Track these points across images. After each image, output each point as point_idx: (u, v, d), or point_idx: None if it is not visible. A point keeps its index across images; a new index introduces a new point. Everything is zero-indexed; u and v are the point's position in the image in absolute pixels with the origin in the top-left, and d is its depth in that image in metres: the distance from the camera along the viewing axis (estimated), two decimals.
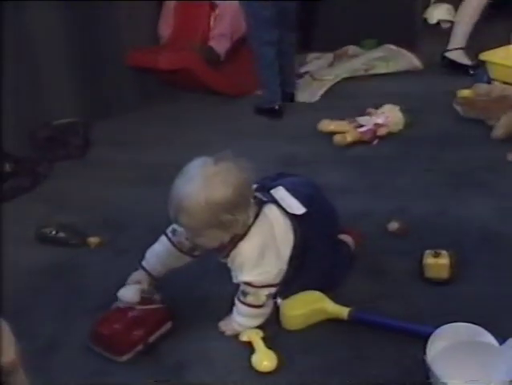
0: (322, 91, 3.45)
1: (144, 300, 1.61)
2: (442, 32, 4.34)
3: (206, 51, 3.30)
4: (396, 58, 3.74)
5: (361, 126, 2.77)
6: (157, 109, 3.29)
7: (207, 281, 1.80)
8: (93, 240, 2.04)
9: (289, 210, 1.57)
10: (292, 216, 1.57)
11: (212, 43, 3.35)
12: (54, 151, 2.66)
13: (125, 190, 2.44)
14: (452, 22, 4.35)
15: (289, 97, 3.31)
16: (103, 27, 3.07)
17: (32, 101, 2.78)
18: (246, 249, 1.51)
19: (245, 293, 1.55)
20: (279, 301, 1.64)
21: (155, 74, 3.31)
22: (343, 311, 1.61)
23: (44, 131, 2.72)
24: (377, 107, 2.90)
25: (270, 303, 1.60)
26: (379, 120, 2.78)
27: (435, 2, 4.76)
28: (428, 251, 1.78)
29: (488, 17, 3.52)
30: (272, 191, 1.60)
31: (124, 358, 1.54)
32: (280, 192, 1.60)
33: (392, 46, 3.82)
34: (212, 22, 3.38)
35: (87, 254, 2.03)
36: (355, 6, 3.86)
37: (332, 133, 2.76)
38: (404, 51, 3.78)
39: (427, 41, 4.15)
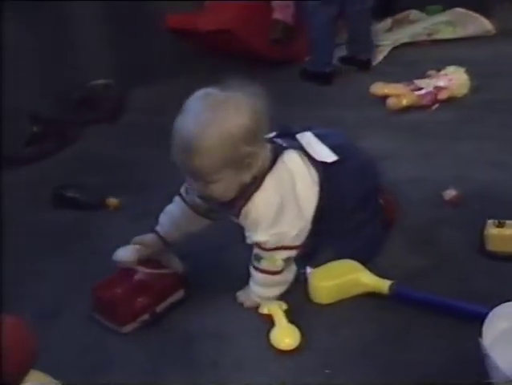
0: (379, 58, 3.17)
1: (153, 263, 1.42)
2: None
3: (278, 29, 3.08)
4: (464, 22, 3.41)
5: (419, 89, 2.48)
6: (195, 75, 3.08)
7: (232, 250, 1.58)
8: (112, 201, 1.87)
9: (317, 157, 1.33)
10: (319, 167, 1.33)
11: (277, 15, 3.13)
12: (86, 113, 2.52)
13: (154, 154, 2.26)
14: None
15: (364, 64, 3.03)
16: None
17: (67, 62, 2.65)
18: (261, 202, 1.27)
19: (258, 258, 1.32)
20: (308, 270, 1.41)
21: (194, 40, 3.12)
22: (383, 284, 1.36)
23: (77, 92, 2.58)
24: (440, 69, 2.61)
25: (291, 269, 1.37)
26: (441, 83, 2.48)
27: None
28: (490, 220, 1.51)
29: None
30: (298, 135, 1.36)
31: (127, 328, 1.35)
32: (307, 137, 1.36)
33: (461, 9, 3.48)
34: None
35: (105, 217, 1.86)
36: None
37: (386, 97, 2.49)
38: (474, 14, 3.44)
39: (501, 6, 3.79)
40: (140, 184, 2.03)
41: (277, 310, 1.33)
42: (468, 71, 2.55)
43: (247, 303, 1.38)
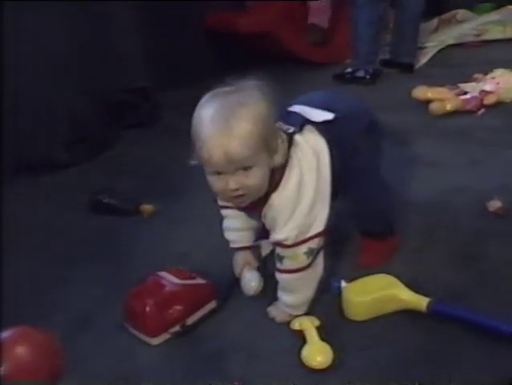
0: (425, 60, 3.08)
1: (184, 274, 1.40)
2: None
3: (315, 34, 3.04)
4: None
5: (464, 93, 2.39)
6: (235, 77, 3.06)
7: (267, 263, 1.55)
8: (147, 208, 1.86)
9: (315, 119, 1.28)
10: (324, 133, 1.28)
11: (313, 20, 3.08)
12: (123, 117, 2.52)
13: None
14: None
15: (406, 68, 2.95)
16: None
17: (106, 65, 2.65)
18: (275, 201, 1.23)
19: (280, 258, 1.27)
20: (343, 284, 1.36)
21: (234, 41, 3.10)
22: (421, 301, 1.30)
23: (116, 96, 2.59)
24: (487, 72, 2.51)
25: (318, 263, 1.30)
26: (488, 87, 2.39)
27: None
28: None
29: None
30: (289, 111, 1.32)
31: (157, 340, 1.33)
32: (297, 107, 1.32)
33: None
34: None
35: (140, 223, 1.85)
36: None
37: (430, 101, 2.41)
38: None
39: None
40: (176, 189, 2.02)
41: (309, 326, 1.29)
42: None
43: (278, 318, 1.35)
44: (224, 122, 1.13)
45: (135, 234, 1.79)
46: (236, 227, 1.44)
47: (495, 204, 1.66)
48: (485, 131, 2.23)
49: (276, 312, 1.35)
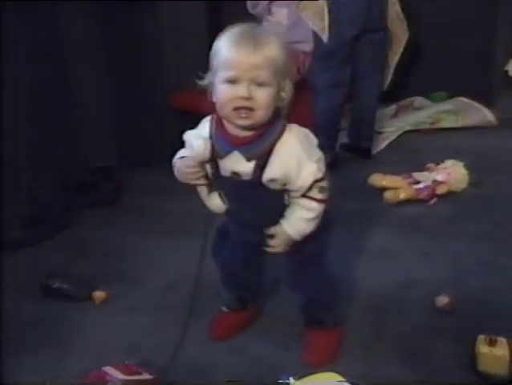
0: (383, 144, 3.18)
1: (130, 368, 1.38)
2: None
3: None
4: (467, 112, 3.44)
5: (418, 182, 2.48)
6: None
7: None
8: (98, 294, 1.84)
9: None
10: None
11: None
12: (84, 196, 2.52)
13: (150, 241, 2.25)
14: None
15: (364, 153, 3.02)
16: (148, 70, 2.97)
17: (66, 145, 2.67)
18: (287, 142, 1.26)
19: (322, 189, 1.29)
20: (291, 381, 1.36)
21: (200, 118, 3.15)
22: None
23: (77, 174, 2.60)
24: (439, 163, 2.61)
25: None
26: (439, 177, 2.47)
27: None
28: (482, 336, 1.45)
29: None
30: None
31: None
32: None
33: (464, 99, 3.52)
34: None
35: (90, 310, 1.82)
36: (426, 55, 3.61)
37: (385, 189, 2.48)
38: (476, 104, 3.48)
39: (505, 95, 3.83)
40: (131, 275, 2.00)
41: None
42: (467, 165, 2.54)
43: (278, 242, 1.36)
44: (253, 36, 1.20)
45: (84, 322, 1.76)
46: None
47: (443, 300, 1.69)
48: (436, 221, 2.29)
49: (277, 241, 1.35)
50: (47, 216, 2.34)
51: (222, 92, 1.22)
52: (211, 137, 1.30)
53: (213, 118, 1.32)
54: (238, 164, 1.27)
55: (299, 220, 1.32)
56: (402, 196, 2.40)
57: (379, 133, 3.27)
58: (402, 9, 2.88)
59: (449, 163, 2.55)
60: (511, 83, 4.06)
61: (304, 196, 1.30)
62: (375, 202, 2.44)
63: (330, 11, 2.68)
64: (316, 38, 2.60)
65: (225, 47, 1.21)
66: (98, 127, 2.82)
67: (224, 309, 1.66)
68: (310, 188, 1.28)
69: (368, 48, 2.81)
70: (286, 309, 1.64)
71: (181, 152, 1.37)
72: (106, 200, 2.56)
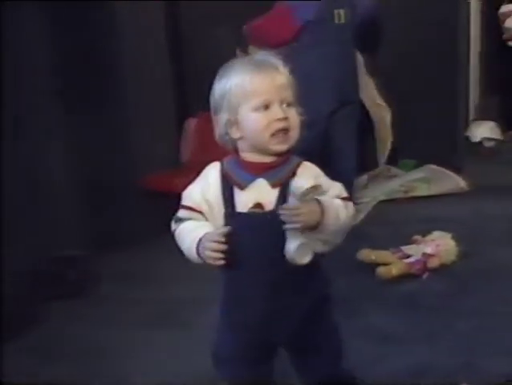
0: (361, 216, 3.10)
1: None
2: (485, 151, 4.09)
3: None
4: (438, 179, 3.43)
5: (407, 256, 2.38)
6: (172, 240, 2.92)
7: None
8: None
9: None
10: None
11: None
12: (48, 288, 2.30)
13: (127, 334, 2.05)
14: (496, 141, 4.11)
15: None
16: (117, 151, 2.84)
17: (29, 233, 2.46)
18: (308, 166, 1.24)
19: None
20: None
21: (172, 200, 3.01)
22: None
23: (41, 265, 2.38)
24: (424, 234, 2.53)
25: None
26: (429, 250, 2.39)
27: (474, 120, 4.54)
28: None
29: None
30: None
31: None
32: None
33: (434, 166, 3.52)
34: None
35: None
36: (393, 124, 3.62)
37: (374, 264, 2.37)
38: (447, 172, 3.48)
39: (469, 160, 3.87)
40: (111, 375, 1.79)
41: None
42: (453, 236, 2.47)
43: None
44: (267, 61, 1.22)
45: None
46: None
47: None
48: (434, 297, 2.19)
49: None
50: (9, 311, 2.11)
51: (256, 121, 1.20)
52: (224, 176, 1.24)
53: (221, 162, 1.27)
54: (262, 192, 1.20)
55: (338, 205, 1.21)
56: (395, 271, 2.29)
57: (355, 204, 3.19)
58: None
59: (436, 234, 2.47)
60: (474, 148, 4.12)
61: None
62: (367, 278, 2.32)
63: None
64: None
65: (247, 77, 1.19)
66: (61, 212, 2.63)
67: None
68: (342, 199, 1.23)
69: (343, 120, 2.77)
70: None
71: (181, 213, 1.27)
72: (73, 292, 2.35)
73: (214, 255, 1.17)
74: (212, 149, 3.09)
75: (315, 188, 1.17)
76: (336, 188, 1.24)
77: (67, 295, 2.31)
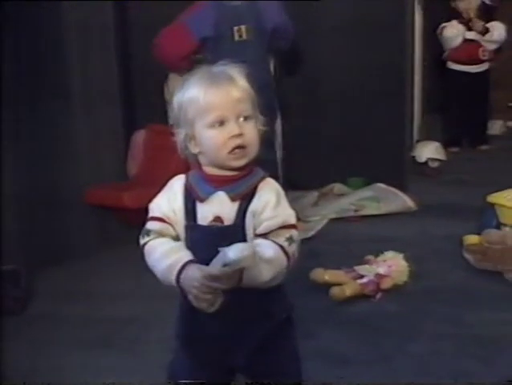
0: (312, 232, 3.06)
1: None
2: (430, 171, 4.15)
3: None
4: (387, 199, 3.44)
5: (361, 276, 2.36)
6: (117, 255, 2.81)
7: None
8: None
9: None
10: None
11: None
12: None
13: (71, 354, 1.94)
14: (441, 161, 4.18)
15: None
16: (59, 163, 2.72)
17: None
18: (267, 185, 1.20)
19: (292, 240, 1.16)
20: None
21: (116, 215, 2.91)
22: None
23: None
24: (376, 254, 2.52)
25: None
26: (381, 270, 2.37)
27: (419, 141, 4.61)
28: None
29: None
30: None
31: None
32: None
33: (383, 185, 3.54)
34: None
35: None
36: (340, 142, 3.63)
37: (327, 284, 2.33)
38: (395, 191, 3.51)
39: (414, 180, 3.91)
40: None
41: None
42: (405, 257, 2.47)
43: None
44: (223, 73, 1.17)
45: None
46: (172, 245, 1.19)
47: None
48: (385, 318, 2.17)
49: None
50: None
51: (212, 138, 1.16)
52: (187, 188, 1.20)
53: (186, 175, 1.22)
54: (222, 206, 1.17)
55: (262, 261, 1.12)
56: (348, 292, 2.26)
57: (305, 222, 3.17)
58: None
59: (388, 255, 2.46)
60: (420, 167, 4.17)
61: (273, 241, 1.15)
62: (320, 299, 2.28)
63: None
64: None
65: (201, 92, 1.15)
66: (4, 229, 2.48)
67: None
68: (280, 229, 1.15)
69: None
70: None
71: (150, 225, 1.21)
72: (12, 309, 2.21)
73: (207, 297, 1.11)
74: (160, 163, 3.05)
75: (247, 260, 1.08)
76: (282, 217, 1.16)
77: (5, 312, 2.18)
